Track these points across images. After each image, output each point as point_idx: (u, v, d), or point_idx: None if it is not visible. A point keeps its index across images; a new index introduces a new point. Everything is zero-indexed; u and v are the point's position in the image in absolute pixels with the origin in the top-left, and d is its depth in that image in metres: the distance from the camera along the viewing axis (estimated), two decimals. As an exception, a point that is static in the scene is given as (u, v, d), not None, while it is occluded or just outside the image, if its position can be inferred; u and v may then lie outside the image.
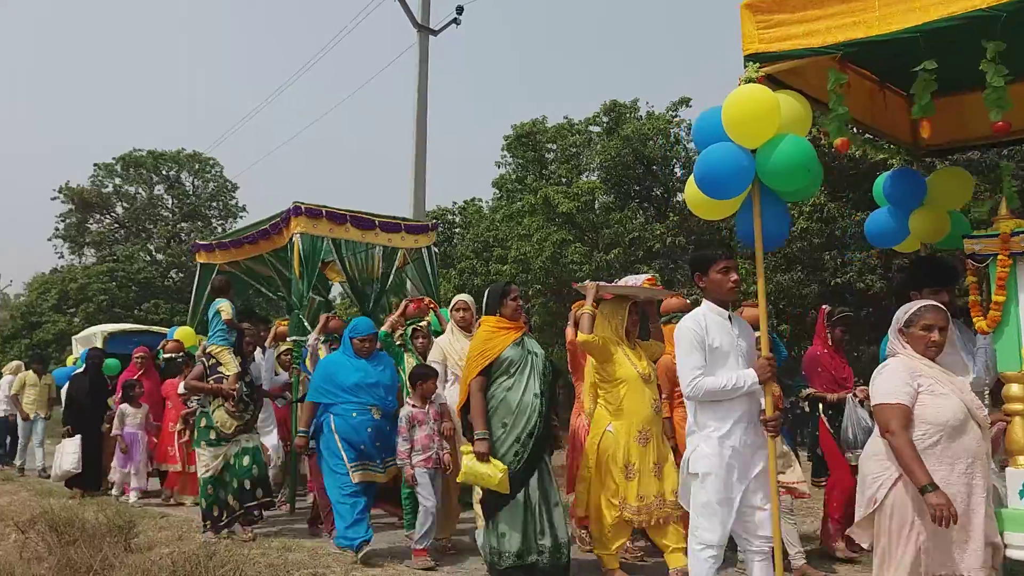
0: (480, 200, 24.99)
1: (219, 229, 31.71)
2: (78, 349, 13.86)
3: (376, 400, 5.76)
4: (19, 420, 12.28)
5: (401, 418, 5.78)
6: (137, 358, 9.79)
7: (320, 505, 6.51)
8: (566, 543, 4.94)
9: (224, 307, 6.95)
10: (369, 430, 5.69)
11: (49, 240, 31.58)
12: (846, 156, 16.55)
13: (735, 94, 3.78)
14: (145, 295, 28.06)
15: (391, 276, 9.71)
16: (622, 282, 5.40)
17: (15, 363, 13.44)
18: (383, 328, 6.86)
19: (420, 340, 6.76)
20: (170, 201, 32.14)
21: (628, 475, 4.76)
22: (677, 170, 20.63)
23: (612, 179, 20.23)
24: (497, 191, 23.88)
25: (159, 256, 30.60)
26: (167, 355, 9.88)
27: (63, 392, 10.79)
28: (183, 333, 10.35)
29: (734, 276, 3.91)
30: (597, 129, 21.52)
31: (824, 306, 6.37)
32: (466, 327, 6.03)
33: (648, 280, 5.32)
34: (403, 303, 7.14)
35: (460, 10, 15.64)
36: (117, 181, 31.44)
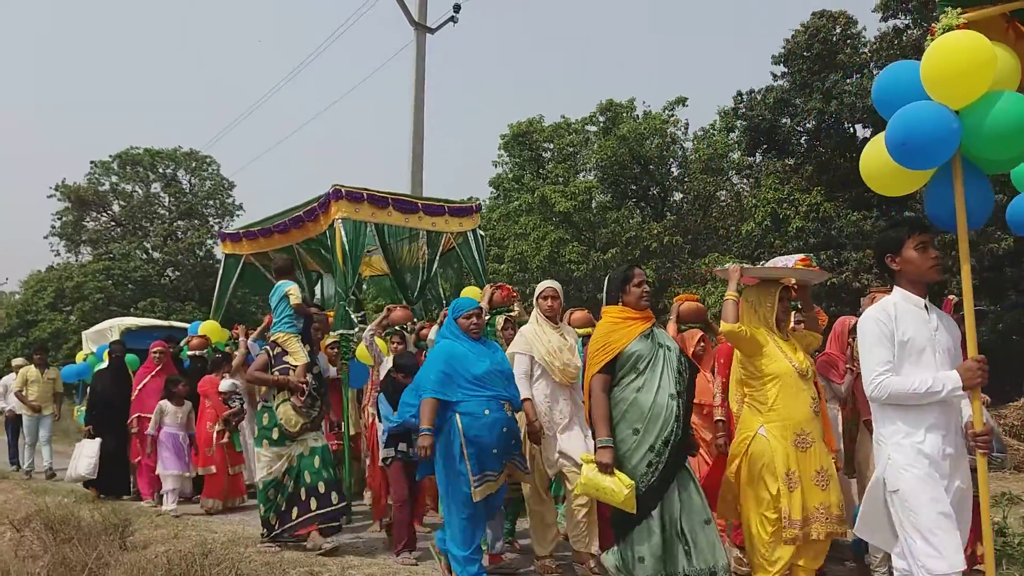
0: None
1: (215, 227, 31.64)
2: (89, 345, 13.15)
3: (507, 393, 4.85)
4: (24, 418, 11.39)
5: None
6: (155, 352, 8.95)
7: (395, 521, 5.75)
8: (723, 567, 4.16)
9: (292, 290, 6.19)
10: (504, 430, 4.73)
11: (45, 238, 31.50)
12: (844, 156, 16.63)
13: (942, 43, 3.26)
14: (142, 293, 28.03)
15: (436, 263, 9.21)
16: (771, 263, 4.73)
17: (19, 360, 12.46)
18: None
19: (511, 331, 6.10)
20: (167, 199, 32.05)
21: (790, 485, 4.12)
22: (674, 169, 20.69)
23: (609, 178, 20.27)
24: (494, 190, 23.90)
25: (156, 254, 30.52)
26: (192, 352, 9.28)
27: (86, 389, 10.27)
28: (209, 328, 9.65)
29: (934, 252, 3.37)
30: (594, 128, 21.57)
31: (951, 296, 5.61)
32: (553, 317, 5.46)
33: (801, 260, 4.60)
34: (488, 290, 6.48)
35: (457, 8, 15.61)
36: (114, 179, 31.35)
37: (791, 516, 4.07)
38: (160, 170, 31.70)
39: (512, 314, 6.40)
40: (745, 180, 19.88)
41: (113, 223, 31.77)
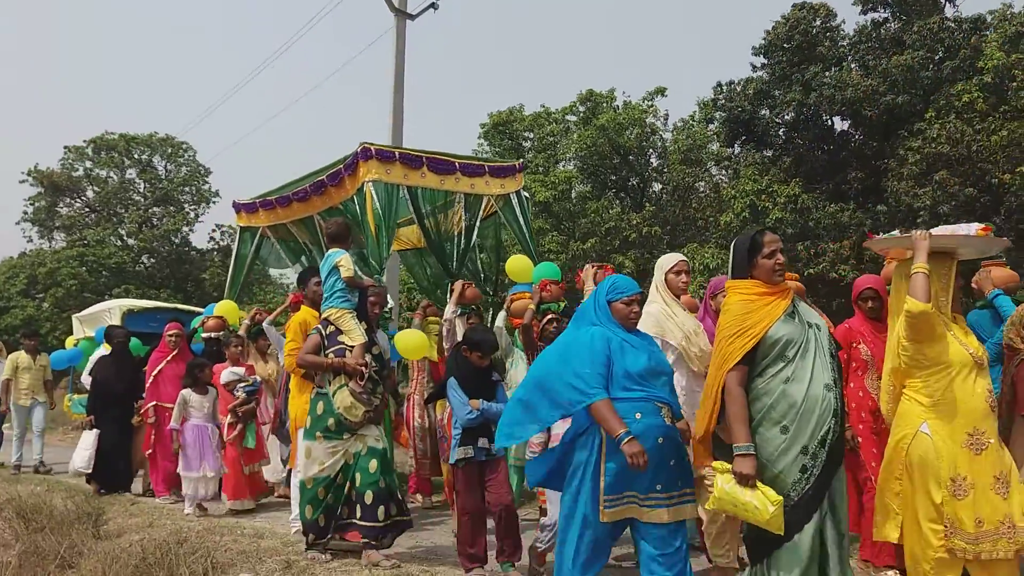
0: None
1: (192, 215, 31.37)
2: (81, 329, 12.37)
3: (665, 395, 3.79)
4: (13, 408, 10.43)
5: None
6: (170, 336, 8.08)
7: (464, 535, 4.81)
8: None
9: (343, 261, 5.37)
10: (659, 440, 3.63)
11: (17, 224, 31.17)
12: (821, 148, 16.74)
13: None
14: (116, 280, 27.74)
15: (475, 230, 8.20)
16: (946, 230, 3.86)
17: None
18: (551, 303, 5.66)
19: None
20: (142, 185, 31.71)
21: (956, 492, 3.46)
22: (653, 160, 20.74)
23: (588, 168, 20.29)
24: (474, 179, 23.83)
25: (131, 241, 30.21)
26: (207, 334, 8.38)
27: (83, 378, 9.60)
28: (225, 308, 8.73)
29: None
30: (574, 118, 21.56)
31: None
32: (680, 294, 4.83)
33: (983, 229, 3.76)
34: (590, 271, 5.66)
35: (438, -5, 15.47)
36: (88, 164, 30.98)
37: (960, 527, 3.43)
38: (135, 156, 31.37)
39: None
40: (724, 171, 19.99)
41: (87, 209, 31.39)
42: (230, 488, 7.31)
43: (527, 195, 8.36)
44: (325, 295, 5.43)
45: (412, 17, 15.36)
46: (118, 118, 60.28)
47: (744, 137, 17.47)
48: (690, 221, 19.00)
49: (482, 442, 4.77)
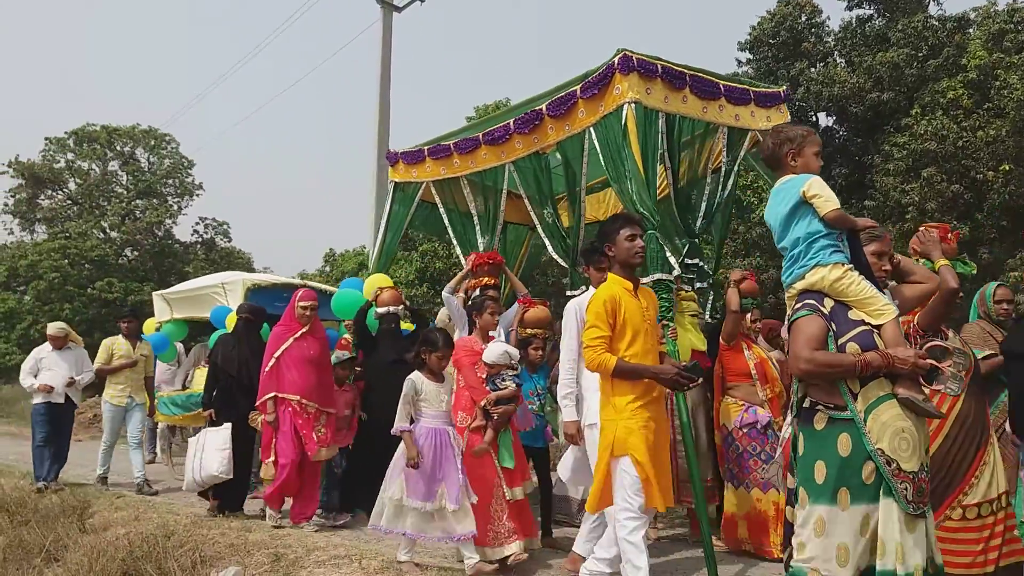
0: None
1: (175, 207, 31.14)
2: (167, 310, 10.10)
3: None
4: (106, 409, 8.27)
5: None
6: (303, 306, 6.26)
7: None
8: None
9: (815, 187, 3.06)
10: None
11: (-2, 216, 30.82)
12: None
13: None
14: (99, 273, 27.51)
15: (733, 176, 6.27)
16: None
17: (57, 325, 8.44)
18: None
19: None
20: (124, 178, 31.46)
21: None
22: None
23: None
24: (460, 173, 23.72)
25: (113, 234, 29.96)
26: (384, 309, 6.49)
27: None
28: (380, 281, 6.98)
29: None
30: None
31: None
32: None
33: None
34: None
35: (425, -12, 15.43)
36: (70, 156, 30.69)
37: None
38: (117, 148, 31.12)
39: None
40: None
41: (69, 201, 31.10)
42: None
43: None
44: (794, 252, 3.11)
45: (399, 9, 15.33)
46: (100, 109, 59.80)
47: (730, 132, 17.55)
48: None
49: None
